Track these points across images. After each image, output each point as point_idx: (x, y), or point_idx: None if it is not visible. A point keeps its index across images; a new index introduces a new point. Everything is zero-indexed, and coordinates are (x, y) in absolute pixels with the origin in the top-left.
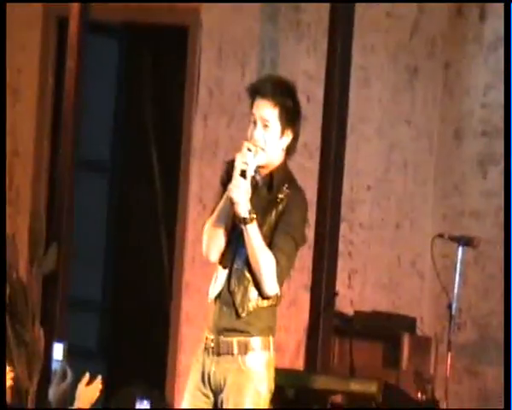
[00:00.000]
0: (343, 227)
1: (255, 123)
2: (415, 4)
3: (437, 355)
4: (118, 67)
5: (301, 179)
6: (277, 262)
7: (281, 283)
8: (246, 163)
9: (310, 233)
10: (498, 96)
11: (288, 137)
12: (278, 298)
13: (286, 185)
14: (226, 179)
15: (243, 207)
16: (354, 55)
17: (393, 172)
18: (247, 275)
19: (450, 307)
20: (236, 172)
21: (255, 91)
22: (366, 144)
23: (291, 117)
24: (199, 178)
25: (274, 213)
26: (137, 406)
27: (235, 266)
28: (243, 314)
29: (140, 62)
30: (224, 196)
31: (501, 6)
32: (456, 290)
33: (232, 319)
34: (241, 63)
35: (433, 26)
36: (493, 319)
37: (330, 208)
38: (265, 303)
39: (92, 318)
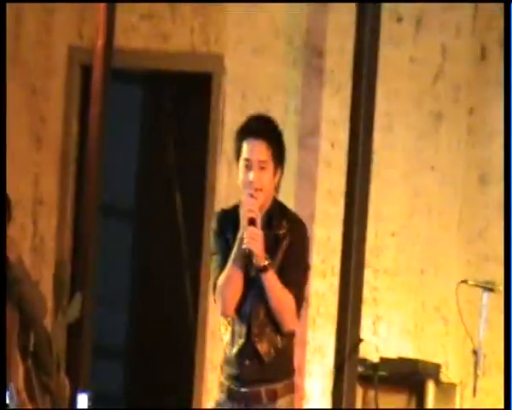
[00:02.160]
0: (367, 273)
1: (249, 166)
2: (439, 48)
3: (462, 401)
4: (141, 114)
5: (326, 226)
6: (294, 297)
7: (298, 316)
8: (252, 210)
9: (334, 280)
10: None
11: (278, 175)
12: (295, 333)
13: (284, 221)
14: (219, 230)
15: (262, 257)
16: (378, 101)
17: (418, 217)
18: (266, 321)
19: (475, 352)
20: (244, 222)
21: (248, 133)
22: (390, 190)
23: (282, 155)
24: None
25: (280, 251)
26: None
27: (253, 315)
28: (268, 360)
29: (163, 109)
30: (235, 250)
31: None
32: (480, 336)
33: (257, 369)
34: (265, 109)
35: (457, 70)
36: None
37: (355, 255)
38: (285, 342)
39: (117, 366)
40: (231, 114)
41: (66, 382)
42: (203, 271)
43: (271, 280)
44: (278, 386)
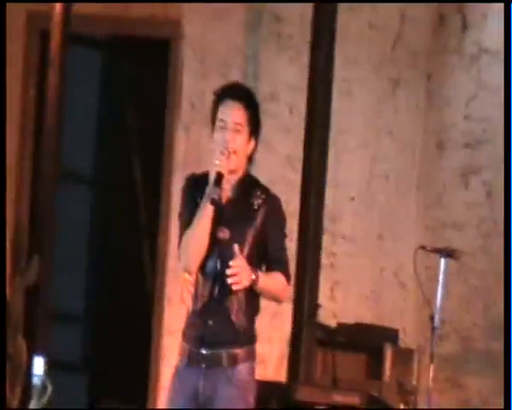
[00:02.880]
0: (325, 239)
1: (224, 127)
2: (397, 15)
3: (420, 367)
4: (100, 79)
5: (284, 191)
6: (284, 271)
7: (290, 284)
8: (221, 166)
9: (292, 245)
10: (481, 107)
11: (252, 144)
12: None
13: (258, 191)
14: (189, 192)
15: (247, 279)
16: (336, 67)
17: (376, 183)
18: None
19: (432, 318)
20: (212, 177)
21: (226, 95)
22: (348, 156)
23: (257, 125)
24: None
25: (256, 222)
26: None
27: (218, 273)
28: (239, 327)
29: (122, 74)
30: (201, 207)
31: (483, 16)
32: (438, 302)
33: (220, 329)
34: (224, 75)
35: (415, 37)
36: (475, 331)
37: (312, 220)
38: (250, 305)
39: (74, 330)
40: (190, 80)
41: (24, 346)
42: (161, 236)
43: (263, 285)
44: (240, 351)
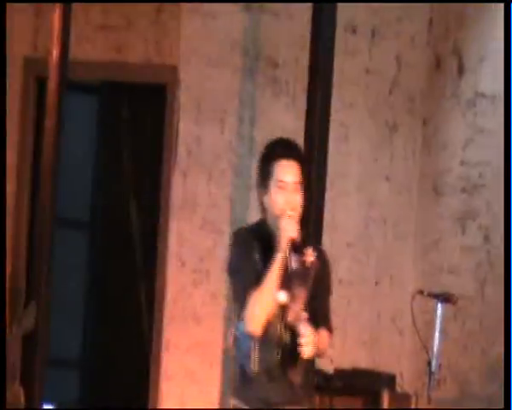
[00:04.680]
0: None
1: (284, 188)
2: (394, 60)
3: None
4: (96, 124)
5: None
6: (328, 326)
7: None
8: (294, 232)
9: None
10: (477, 151)
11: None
12: None
13: (310, 248)
14: (246, 248)
15: (314, 347)
16: (333, 112)
17: (373, 228)
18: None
19: (429, 363)
20: (284, 244)
21: (280, 154)
22: (345, 200)
23: (307, 177)
24: (178, 235)
25: (309, 279)
26: None
27: (282, 342)
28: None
29: (118, 119)
30: (270, 272)
31: (480, 59)
32: (435, 347)
33: (282, 392)
34: (220, 120)
35: (411, 81)
36: (473, 375)
37: None
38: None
39: (72, 376)
40: (186, 125)
41: (21, 392)
42: (158, 280)
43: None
44: (299, 407)
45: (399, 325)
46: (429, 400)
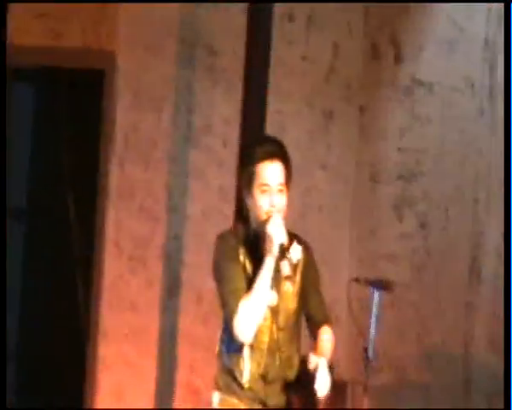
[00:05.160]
0: None
1: (268, 190)
2: (330, 48)
3: (354, 399)
4: (34, 112)
5: (217, 223)
6: (330, 322)
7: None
8: (283, 236)
9: None
10: (414, 139)
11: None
12: None
13: (295, 243)
14: (232, 254)
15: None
16: (270, 100)
17: (309, 215)
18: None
19: (366, 350)
20: (273, 248)
21: (263, 156)
22: None
23: (291, 173)
24: (115, 222)
25: (298, 275)
26: None
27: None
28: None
29: (55, 106)
30: (260, 279)
31: (418, 48)
32: (371, 334)
33: (279, 391)
34: (157, 107)
35: (348, 69)
36: (409, 362)
37: None
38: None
39: (8, 368)
40: (123, 112)
41: None
42: (95, 268)
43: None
44: (296, 397)
45: (336, 312)
46: (365, 387)
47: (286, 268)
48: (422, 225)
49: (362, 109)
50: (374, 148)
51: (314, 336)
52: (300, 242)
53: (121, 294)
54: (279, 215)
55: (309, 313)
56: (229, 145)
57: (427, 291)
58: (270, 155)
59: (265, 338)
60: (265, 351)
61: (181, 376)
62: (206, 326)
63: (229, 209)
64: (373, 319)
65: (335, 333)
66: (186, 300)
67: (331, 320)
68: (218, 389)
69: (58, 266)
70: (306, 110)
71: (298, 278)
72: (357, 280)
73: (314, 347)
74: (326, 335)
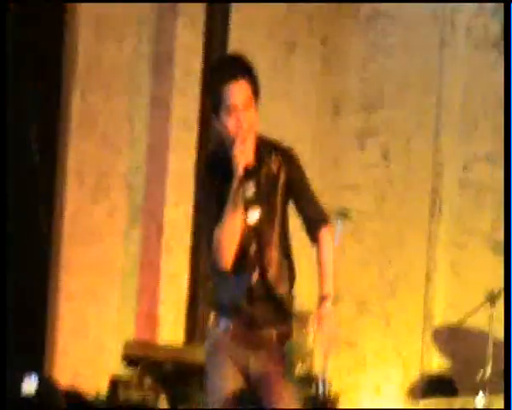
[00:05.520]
0: None
1: (235, 110)
2: None
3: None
4: None
5: (180, 152)
6: (325, 221)
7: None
8: (245, 157)
9: (188, 208)
10: (377, 70)
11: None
12: None
13: (273, 151)
14: (211, 182)
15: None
16: (232, 30)
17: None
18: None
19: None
20: (239, 172)
21: (227, 75)
22: None
23: (258, 86)
24: (77, 153)
25: (279, 186)
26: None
27: (263, 260)
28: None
29: (17, 37)
30: (230, 202)
31: None
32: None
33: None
34: (119, 38)
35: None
36: (370, 292)
37: None
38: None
39: None
40: (85, 43)
41: None
42: (57, 201)
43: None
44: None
45: (295, 243)
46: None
47: (249, 192)
48: (384, 156)
49: (324, 41)
50: (336, 79)
51: (312, 238)
52: (280, 150)
53: (83, 224)
54: (244, 136)
55: (301, 216)
56: (191, 74)
57: (388, 221)
58: (232, 76)
59: (246, 259)
60: (247, 272)
61: (143, 305)
62: (167, 256)
63: (192, 139)
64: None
65: (295, 262)
66: (148, 230)
67: (326, 218)
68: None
69: (21, 199)
70: (268, 41)
71: (279, 197)
72: None
73: (316, 255)
74: (325, 242)
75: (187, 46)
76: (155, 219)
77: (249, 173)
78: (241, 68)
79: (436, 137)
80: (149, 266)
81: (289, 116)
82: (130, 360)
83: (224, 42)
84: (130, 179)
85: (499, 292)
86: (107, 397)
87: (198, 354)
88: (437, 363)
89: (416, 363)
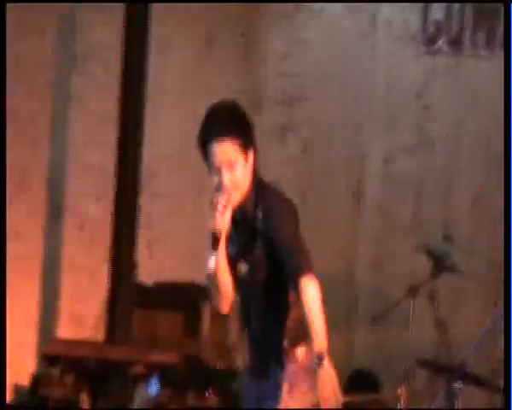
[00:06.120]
0: (142, 198)
1: (218, 169)
2: None
3: (237, 324)
4: None
5: (100, 150)
6: (309, 270)
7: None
8: (219, 228)
9: (108, 204)
10: (296, 64)
11: (250, 155)
12: None
13: (259, 209)
14: None
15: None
16: (151, 25)
17: (192, 142)
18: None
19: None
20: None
21: (209, 136)
22: (165, 114)
23: (249, 139)
24: None
25: (259, 243)
26: None
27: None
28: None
29: None
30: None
31: None
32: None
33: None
34: (40, 33)
35: None
36: None
37: (130, 179)
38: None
39: None
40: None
41: None
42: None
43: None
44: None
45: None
46: None
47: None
48: (304, 150)
49: (244, 35)
50: (255, 73)
51: (294, 288)
52: (266, 206)
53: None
54: (227, 198)
55: (282, 265)
56: (109, 71)
57: (310, 214)
58: (216, 134)
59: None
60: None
61: (64, 303)
62: (89, 254)
63: (111, 136)
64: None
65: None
66: (69, 227)
67: (305, 266)
68: None
69: None
70: (189, 36)
71: (260, 245)
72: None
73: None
74: (306, 293)
75: (106, 43)
76: (76, 216)
77: (215, 242)
78: (226, 125)
79: (357, 130)
80: (70, 263)
81: None
82: (52, 357)
83: (143, 37)
84: (50, 176)
85: (420, 285)
86: (29, 394)
87: (120, 352)
88: (359, 357)
89: (339, 358)
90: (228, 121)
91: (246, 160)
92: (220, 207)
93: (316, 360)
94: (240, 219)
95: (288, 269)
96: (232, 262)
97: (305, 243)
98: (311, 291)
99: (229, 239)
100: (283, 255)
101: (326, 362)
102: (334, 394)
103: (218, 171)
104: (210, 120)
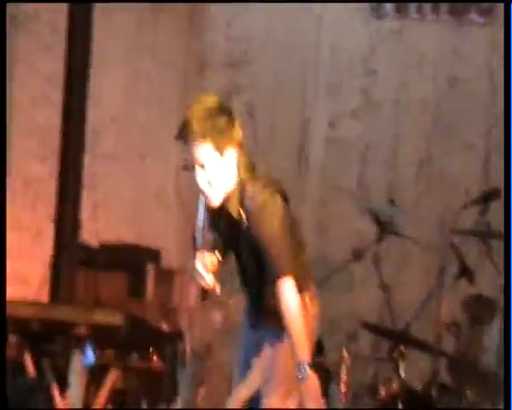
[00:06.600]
0: (87, 159)
1: (193, 167)
2: None
3: (181, 286)
4: None
5: (46, 110)
6: (279, 273)
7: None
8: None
9: (54, 165)
10: (242, 27)
11: (231, 151)
12: None
13: (242, 211)
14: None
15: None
16: None
17: (138, 103)
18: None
19: (194, 238)
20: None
21: (181, 139)
22: (110, 75)
23: (226, 138)
24: None
25: (247, 243)
26: None
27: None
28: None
29: None
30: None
31: None
32: (200, 222)
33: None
34: None
35: None
36: None
37: (74, 139)
38: None
39: None
40: None
41: None
42: None
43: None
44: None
45: (164, 200)
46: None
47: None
48: (250, 113)
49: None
50: (202, 36)
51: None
52: (247, 209)
53: None
54: (209, 194)
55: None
56: (55, 31)
57: None
58: (187, 137)
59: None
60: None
61: (8, 263)
62: (33, 212)
63: (57, 96)
64: (201, 209)
65: (164, 221)
66: (13, 186)
67: (281, 270)
68: None
69: None
70: None
71: (247, 244)
72: (185, 169)
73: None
74: (283, 296)
75: (53, 5)
76: (20, 175)
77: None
78: (198, 128)
79: (302, 93)
80: (15, 223)
81: (155, 72)
82: None
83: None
84: None
85: (365, 248)
86: None
87: (63, 313)
88: None
89: None
90: (200, 124)
91: (222, 154)
92: (200, 268)
93: (297, 370)
94: (225, 216)
95: (268, 272)
96: (219, 247)
97: (287, 244)
98: (287, 293)
99: (213, 228)
100: (263, 258)
101: (308, 370)
102: (317, 400)
103: (194, 168)
104: (185, 121)
